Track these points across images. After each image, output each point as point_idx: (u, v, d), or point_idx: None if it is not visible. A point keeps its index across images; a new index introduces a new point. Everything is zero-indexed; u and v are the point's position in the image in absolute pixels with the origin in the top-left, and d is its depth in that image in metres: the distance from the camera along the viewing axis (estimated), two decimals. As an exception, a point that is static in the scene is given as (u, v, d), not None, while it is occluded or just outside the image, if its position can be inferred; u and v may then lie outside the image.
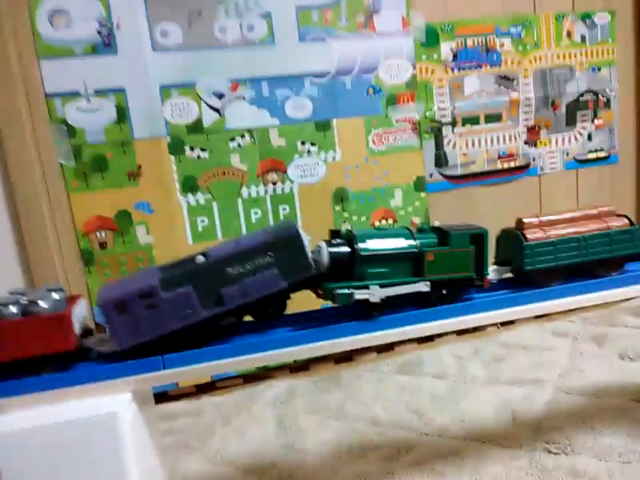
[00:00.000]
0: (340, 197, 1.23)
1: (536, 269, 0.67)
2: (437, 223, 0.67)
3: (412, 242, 0.62)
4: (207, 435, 0.95)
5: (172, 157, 1.11)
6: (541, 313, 0.78)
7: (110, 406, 0.52)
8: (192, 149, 1.12)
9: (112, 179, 1.08)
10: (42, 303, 0.54)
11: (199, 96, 1.11)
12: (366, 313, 0.61)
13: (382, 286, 0.60)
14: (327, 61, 1.18)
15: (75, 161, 1.05)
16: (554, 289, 0.68)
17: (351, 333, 0.61)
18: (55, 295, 0.56)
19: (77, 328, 0.56)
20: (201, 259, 0.58)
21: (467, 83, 1.31)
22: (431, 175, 1.30)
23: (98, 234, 1.08)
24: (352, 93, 1.21)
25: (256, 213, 1.18)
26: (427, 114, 1.28)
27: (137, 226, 1.10)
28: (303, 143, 1.19)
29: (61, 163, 1.05)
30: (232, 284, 0.57)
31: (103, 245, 1.09)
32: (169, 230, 1.12)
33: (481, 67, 1.30)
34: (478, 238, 0.64)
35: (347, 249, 0.60)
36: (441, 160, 1.31)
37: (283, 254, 0.58)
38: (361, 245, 0.60)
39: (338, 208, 1.23)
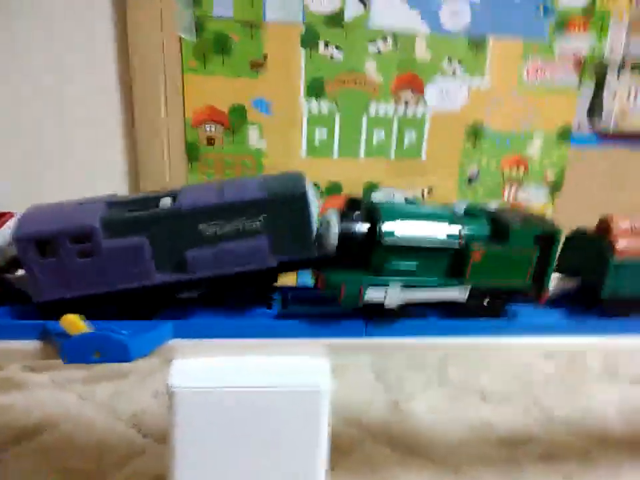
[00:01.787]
0: (474, 132, 1.06)
1: (619, 296, 0.49)
2: (493, 207, 0.49)
3: (454, 230, 0.45)
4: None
5: (303, 51, 0.94)
6: (606, 350, 0.62)
7: (310, 376, 0.42)
8: (326, 45, 0.94)
9: (233, 66, 0.92)
10: None
11: (346, -20, 0.92)
12: (376, 313, 0.46)
13: (404, 285, 0.44)
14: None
15: (195, 37, 0.89)
16: (635, 321, 0.50)
17: (354, 335, 0.46)
18: None
19: None
20: (167, 202, 0.42)
21: (650, 20, 1.07)
22: (578, 126, 1.11)
23: (207, 127, 0.95)
24: (519, 8, 1.00)
25: (379, 136, 1.03)
26: (596, 50, 1.06)
27: (250, 126, 0.96)
28: (450, 60, 1.00)
29: (180, 37, 0.89)
30: (202, 246, 0.41)
31: (210, 141, 0.96)
32: (284, 137, 0.98)
33: (673, 2, 1.06)
34: (546, 239, 0.47)
35: (364, 228, 0.44)
36: (594, 109, 1.11)
37: (279, 220, 0.42)
38: (385, 227, 0.43)
39: (469, 145, 1.07)
